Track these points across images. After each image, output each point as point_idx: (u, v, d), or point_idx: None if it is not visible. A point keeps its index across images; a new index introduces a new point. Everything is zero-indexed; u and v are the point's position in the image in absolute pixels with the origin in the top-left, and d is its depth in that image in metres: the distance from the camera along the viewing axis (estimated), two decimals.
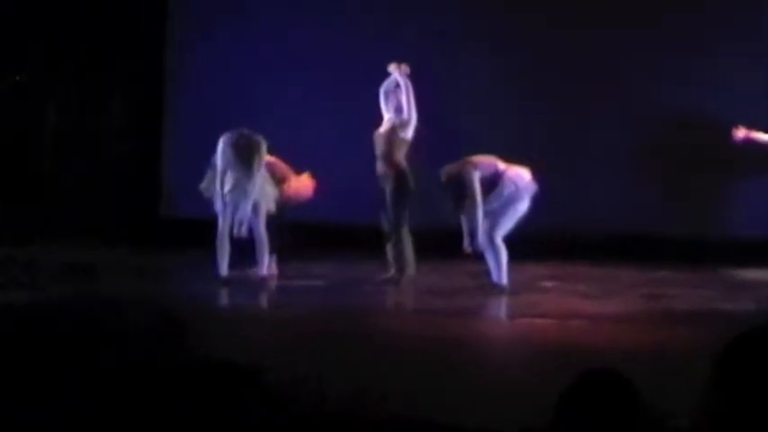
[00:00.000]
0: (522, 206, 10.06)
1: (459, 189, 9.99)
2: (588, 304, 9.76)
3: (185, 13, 13.23)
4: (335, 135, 12.30)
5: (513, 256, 10.27)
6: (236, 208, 10.38)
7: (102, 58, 13.13)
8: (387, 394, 5.75)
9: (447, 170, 10.13)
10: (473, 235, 9.94)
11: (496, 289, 10.13)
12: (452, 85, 12.52)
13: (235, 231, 10.32)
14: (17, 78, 12.34)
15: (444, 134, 11.78)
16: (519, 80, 12.63)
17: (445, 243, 10.42)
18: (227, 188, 10.42)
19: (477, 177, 9.96)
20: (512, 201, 10.05)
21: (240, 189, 10.39)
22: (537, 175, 10.19)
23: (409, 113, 10.56)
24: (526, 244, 11.41)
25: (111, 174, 13.28)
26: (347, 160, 11.78)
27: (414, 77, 10.77)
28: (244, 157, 10.40)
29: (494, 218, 10.02)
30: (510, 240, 10.26)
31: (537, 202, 11.19)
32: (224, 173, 10.42)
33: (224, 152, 10.39)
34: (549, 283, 10.92)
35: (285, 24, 12.92)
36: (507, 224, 10.06)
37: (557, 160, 12.26)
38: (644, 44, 12.53)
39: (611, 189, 12.60)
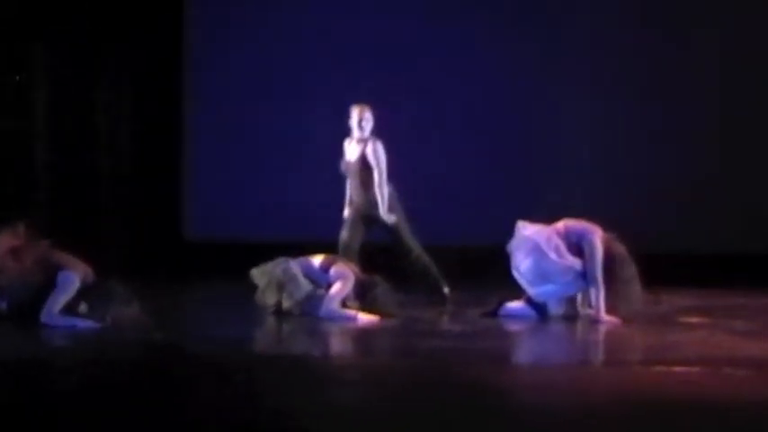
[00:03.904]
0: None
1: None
2: (748, 346, 8.05)
3: (203, 24, 12.88)
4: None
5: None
6: None
7: (120, 74, 12.86)
8: None
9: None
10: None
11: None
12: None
13: None
14: (17, 78, 12.40)
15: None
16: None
17: None
18: None
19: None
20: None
21: None
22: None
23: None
24: (660, 270, 9.97)
25: (126, 197, 12.92)
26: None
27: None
28: None
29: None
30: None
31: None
32: None
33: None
34: (693, 319, 9.42)
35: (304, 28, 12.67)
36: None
37: (699, 179, 12.28)
38: None
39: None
